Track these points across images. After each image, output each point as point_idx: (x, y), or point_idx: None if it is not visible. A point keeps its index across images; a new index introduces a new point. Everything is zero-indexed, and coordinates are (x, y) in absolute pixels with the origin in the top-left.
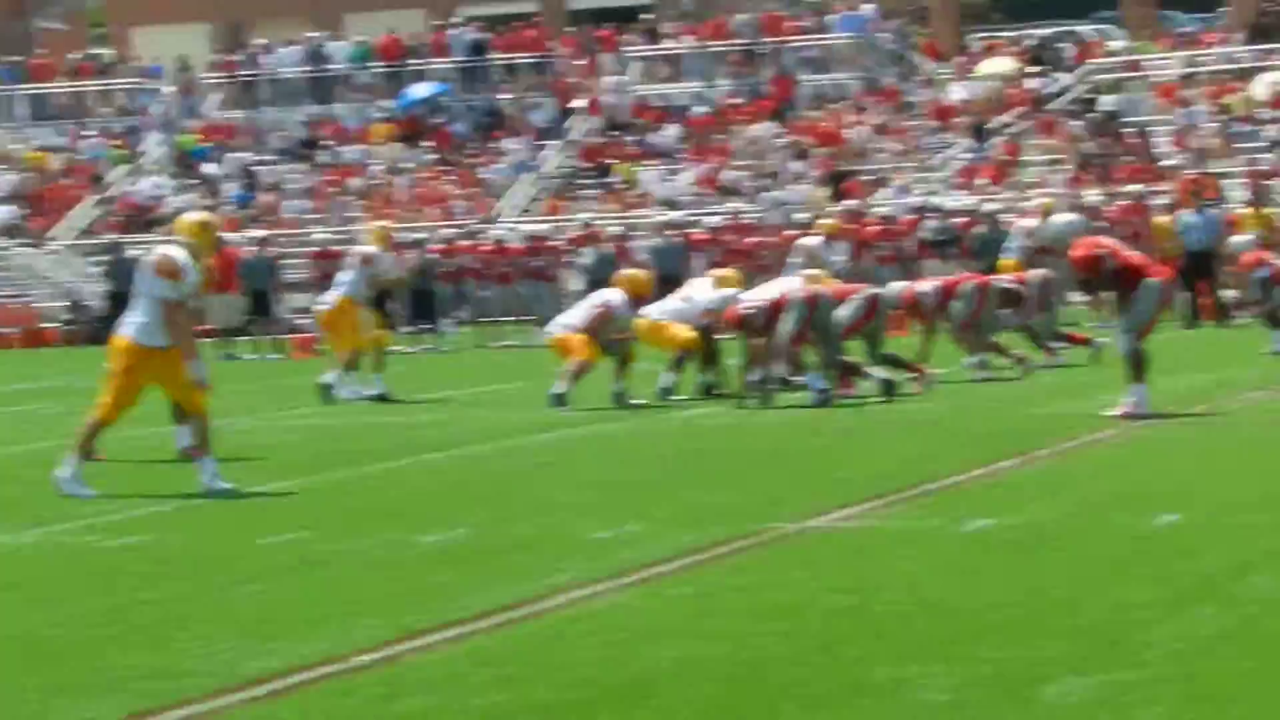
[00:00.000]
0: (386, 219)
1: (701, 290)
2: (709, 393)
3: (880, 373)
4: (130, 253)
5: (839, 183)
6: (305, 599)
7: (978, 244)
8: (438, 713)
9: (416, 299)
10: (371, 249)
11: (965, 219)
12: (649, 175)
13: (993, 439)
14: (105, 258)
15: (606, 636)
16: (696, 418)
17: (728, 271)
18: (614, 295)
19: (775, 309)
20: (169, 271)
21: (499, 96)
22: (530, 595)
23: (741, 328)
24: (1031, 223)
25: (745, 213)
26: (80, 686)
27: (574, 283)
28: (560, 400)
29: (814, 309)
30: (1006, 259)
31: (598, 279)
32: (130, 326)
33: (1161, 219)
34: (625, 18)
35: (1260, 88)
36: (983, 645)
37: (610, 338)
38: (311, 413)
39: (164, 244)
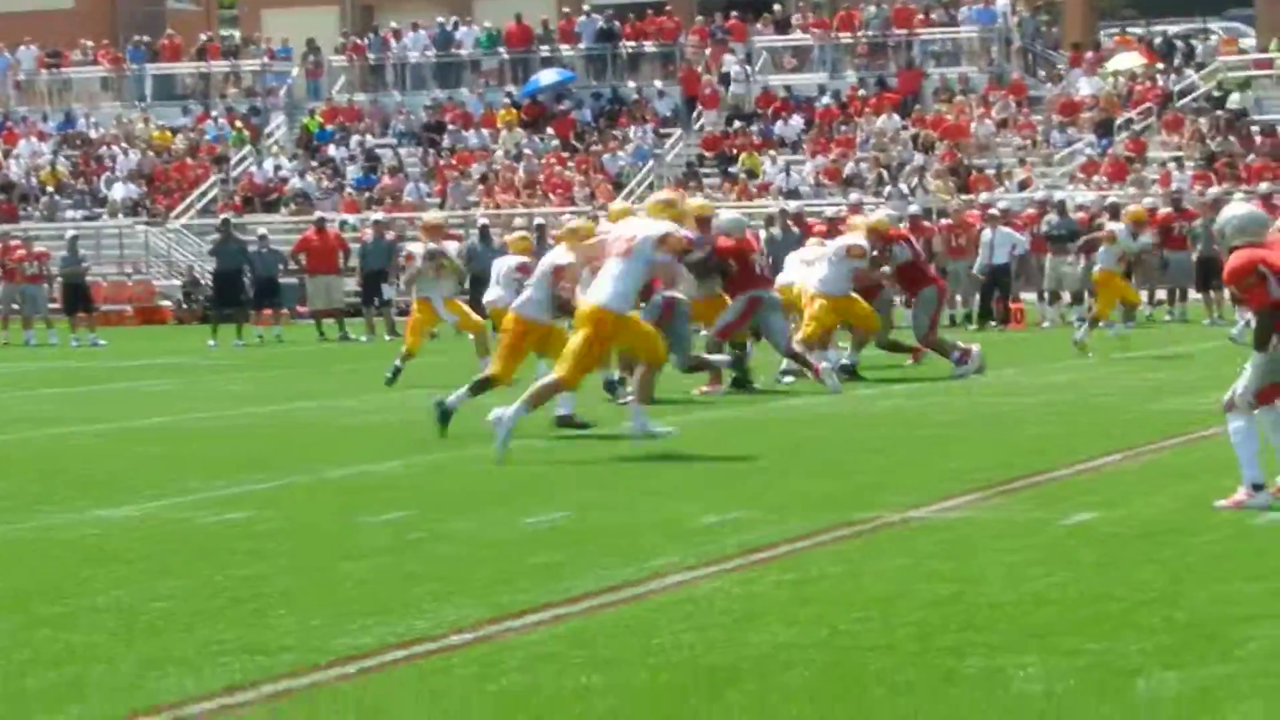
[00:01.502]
0: (504, 204)
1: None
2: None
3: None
4: (239, 234)
5: (962, 176)
6: (403, 578)
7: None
8: (532, 693)
9: None
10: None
11: (1086, 214)
12: (771, 166)
13: (1102, 433)
14: (214, 237)
15: (703, 620)
16: (803, 406)
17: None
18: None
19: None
20: (675, 247)
21: (625, 85)
22: (630, 578)
23: None
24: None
25: (867, 204)
26: (177, 660)
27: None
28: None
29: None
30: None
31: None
32: (603, 295)
33: None
34: (755, 9)
35: None
36: (1078, 637)
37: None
38: (419, 394)
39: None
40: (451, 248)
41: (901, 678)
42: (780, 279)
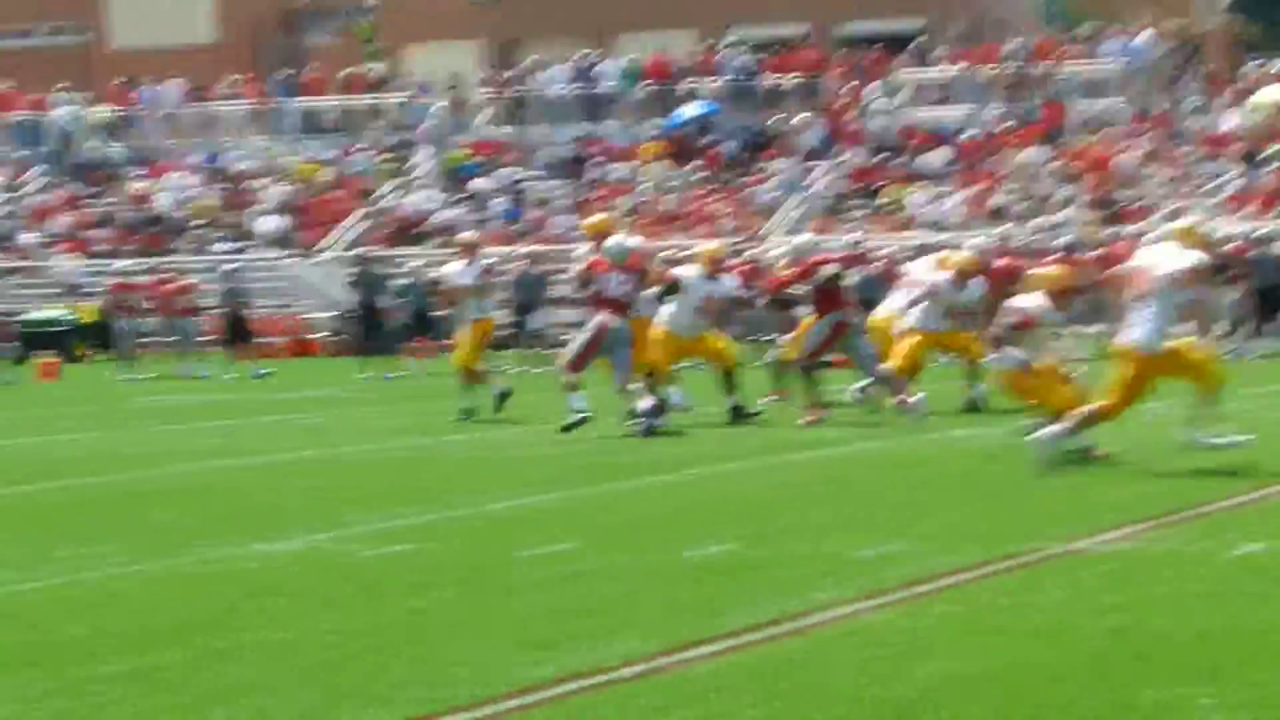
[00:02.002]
0: (653, 236)
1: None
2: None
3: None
4: (382, 267)
5: (1110, 208)
6: (569, 610)
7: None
8: None
9: None
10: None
11: (1236, 245)
12: (917, 198)
13: (1266, 464)
14: (354, 270)
15: (870, 653)
16: (961, 438)
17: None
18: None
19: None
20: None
21: (769, 118)
22: (794, 611)
23: None
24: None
25: (1014, 237)
26: (354, 694)
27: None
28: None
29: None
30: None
31: (864, 299)
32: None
33: None
34: (897, 43)
35: None
36: (1252, 669)
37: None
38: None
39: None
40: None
41: (1076, 709)
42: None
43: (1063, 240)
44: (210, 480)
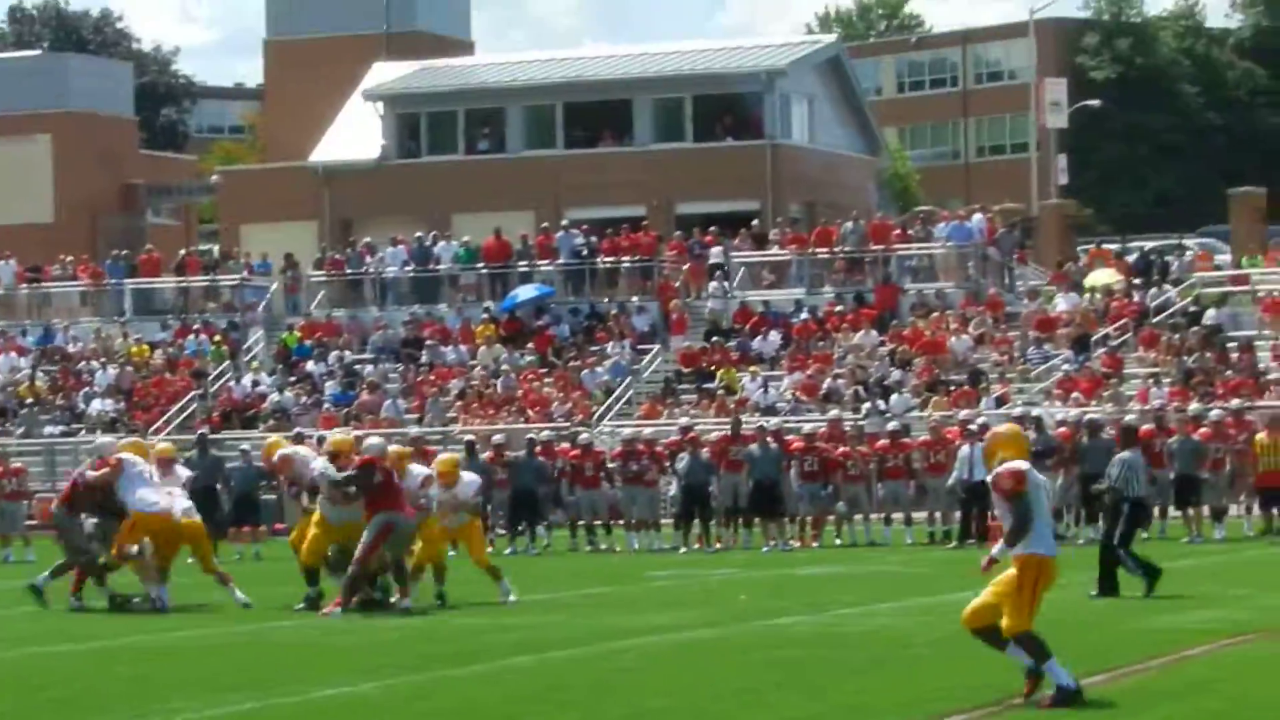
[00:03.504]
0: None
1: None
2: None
3: None
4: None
5: (937, 392)
6: None
7: (1078, 453)
8: None
9: (516, 500)
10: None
11: (1065, 429)
12: (750, 381)
13: (1083, 653)
14: (190, 453)
15: None
16: (791, 625)
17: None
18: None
19: None
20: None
21: (603, 300)
22: None
23: None
24: None
25: (845, 420)
26: None
27: (671, 487)
28: None
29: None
30: None
31: (694, 483)
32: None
33: (1262, 435)
34: (733, 223)
35: None
36: None
37: None
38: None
39: None
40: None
41: None
42: None
43: (893, 424)
44: (31, 666)
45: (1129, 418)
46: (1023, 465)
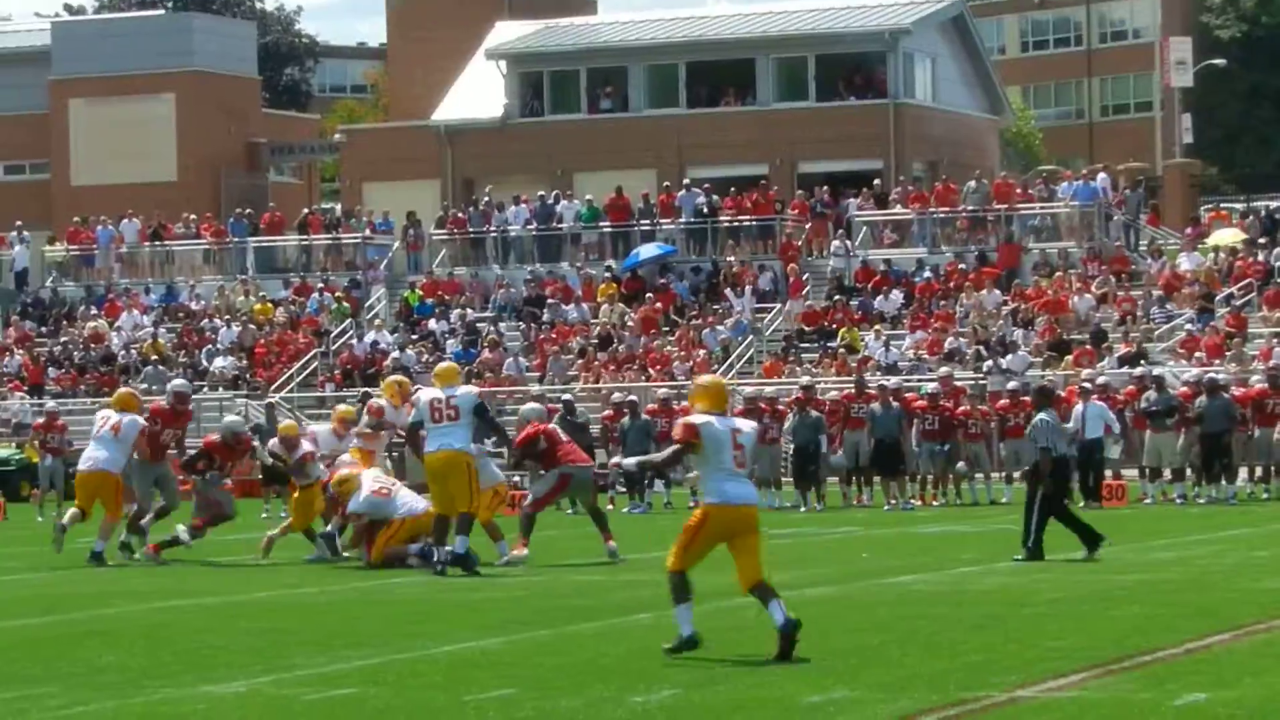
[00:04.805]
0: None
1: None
2: None
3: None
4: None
5: (1063, 351)
6: None
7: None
8: None
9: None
10: None
11: (1186, 389)
12: (872, 340)
13: (1207, 612)
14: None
15: None
16: (908, 584)
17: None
18: None
19: None
20: None
21: (724, 258)
22: None
23: None
24: None
25: (966, 379)
26: None
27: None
28: None
29: None
30: None
31: (800, 443)
32: None
33: None
34: (855, 183)
35: None
36: None
37: None
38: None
39: None
40: None
41: None
42: None
43: (1013, 384)
44: (159, 620)
45: (1255, 379)
46: (699, 419)
